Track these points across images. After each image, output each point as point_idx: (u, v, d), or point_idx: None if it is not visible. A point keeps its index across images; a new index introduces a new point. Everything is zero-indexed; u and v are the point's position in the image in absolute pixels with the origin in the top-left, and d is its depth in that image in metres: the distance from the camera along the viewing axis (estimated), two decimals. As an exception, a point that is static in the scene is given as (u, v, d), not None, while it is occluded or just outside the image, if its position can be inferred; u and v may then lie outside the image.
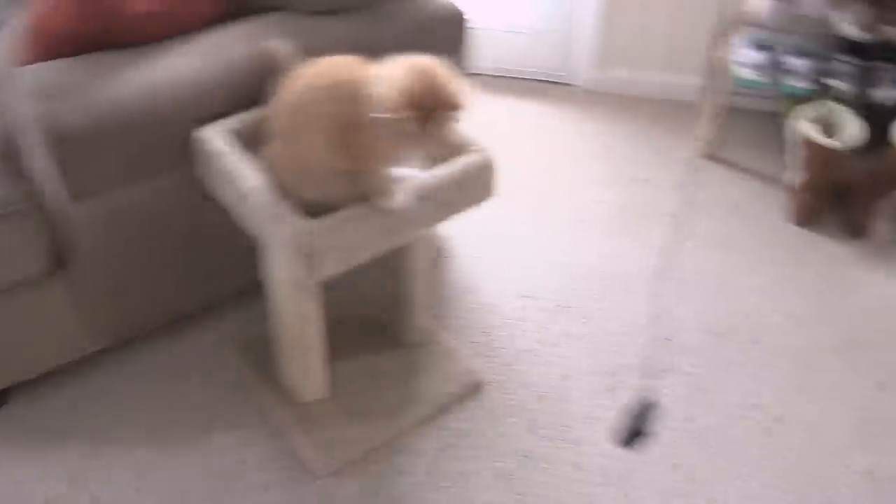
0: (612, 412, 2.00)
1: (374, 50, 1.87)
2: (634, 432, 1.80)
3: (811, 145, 2.38)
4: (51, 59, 1.70)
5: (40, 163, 1.67)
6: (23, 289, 1.79)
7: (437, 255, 2.37)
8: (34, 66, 1.69)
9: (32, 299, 1.82)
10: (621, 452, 1.92)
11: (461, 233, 2.44)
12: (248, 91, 1.76)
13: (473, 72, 3.00)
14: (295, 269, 1.54)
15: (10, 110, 1.68)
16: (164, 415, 1.97)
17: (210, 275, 2.01)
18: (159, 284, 1.94)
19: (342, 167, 1.54)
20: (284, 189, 1.58)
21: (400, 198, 1.58)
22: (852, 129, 2.38)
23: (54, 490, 1.83)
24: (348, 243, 1.55)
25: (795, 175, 2.50)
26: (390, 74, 1.44)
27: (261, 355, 2.05)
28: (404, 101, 1.40)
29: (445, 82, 1.43)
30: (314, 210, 1.56)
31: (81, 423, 1.96)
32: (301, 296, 1.73)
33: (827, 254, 2.42)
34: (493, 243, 2.41)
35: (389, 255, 1.92)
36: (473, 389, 2.04)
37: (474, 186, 1.69)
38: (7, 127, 1.76)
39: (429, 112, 1.41)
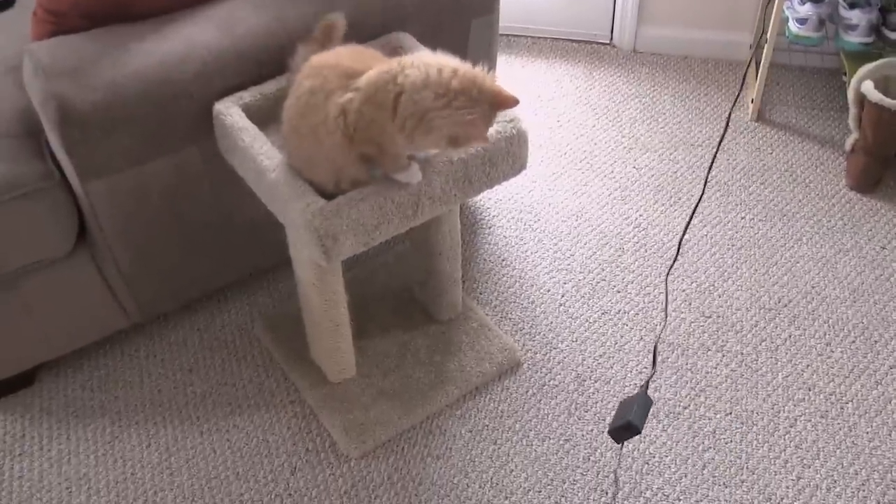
0: (655, 394, 1.91)
1: (400, 14, 1.80)
2: (625, 426, 1.70)
3: (871, 105, 2.25)
4: (63, 33, 1.65)
5: (53, 141, 1.63)
6: (48, 268, 1.78)
7: (470, 229, 2.29)
8: (46, 41, 1.65)
9: (58, 278, 1.82)
10: (664, 439, 1.84)
11: (497, 202, 2.36)
12: (264, 62, 1.70)
13: (508, 33, 2.91)
14: (312, 249, 1.48)
15: (29, 87, 1.63)
16: (191, 393, 1.95)
17: (239, 250, 1.98)
18: (187, 261, 1.92)
19: (362, 154, 1.48)
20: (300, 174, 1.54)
21: (416, 171, 1.51)
22: (916, 88, 2.24)
23: (84, 468, 1.83)
24: (366, 223, 1.49)
25: (854, 138, 2.37)
26: (424, 72, 1.39)
27: (290, 333, 2.00)
28: (447, 100, 1.37)
29: (485, 80, 1.39)
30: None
31: (109, 401, 1.95)
32: (325, 274, 1.67)
33: (888, 222, 2.29)
34: (531, 213, 2.32)
35: (419, 229, 1.85)
36: (511, 368, 1.97)
37: (505, 160, 1.60)
38: (30, 103, 1.72)
39: (475, 111, 1.39)
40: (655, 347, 1.76)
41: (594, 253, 2.23)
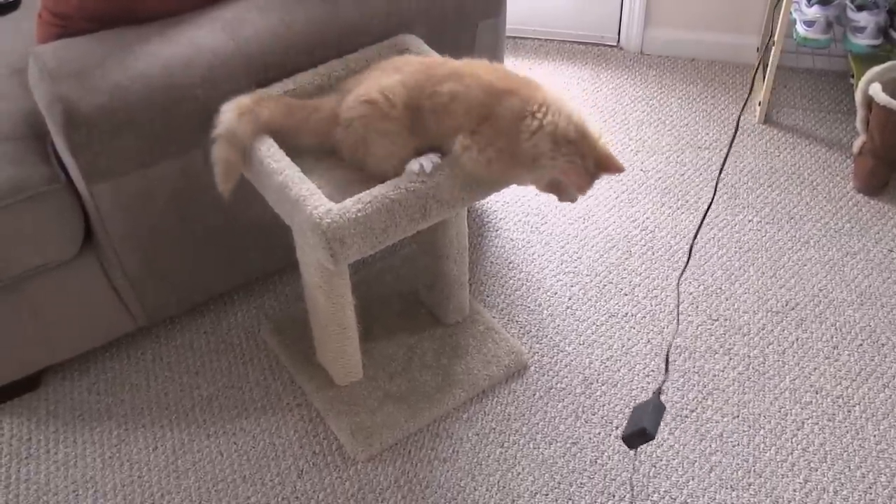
0: (662, 396, 1.90)
1: (406, 16, 1.80)
2: (639, 433, 1.70)
3: (879, 107, 2.24)
4: (69, 36, 1.65)
5: (59, 144, 1.63)
6: (54, 271, 1.78)
7: (477, 232, 2.29)
8: (52, 44, 1.65)
9: (64, 281, 1.82)
10: (671, 442, 1.83)
11: (504, 205, 2.35)
12: (270, 64, 1.70)
13: (515, 35, 2.91)
14: (320, 252, 1.47)
15: (34, 90, 1.63)
16: (198, 396, 1.95)
17: (246, 254, 1.97)
18: (193, 264, 1.92)
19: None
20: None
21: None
22: (924, 90, 2.23)
23: (90, 471, 1.83)
24: (374, 226, 1.48)
25: (862, 140, 2.36)
26: (560, 115, 1.48)
27: (297, 336, 2.00)
28: (579, 182, 1.51)
29: (597, 140, 1.50)
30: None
31: (115, 404, 1.95)
32: (332, 277, 1.66)
33: None
34: (538, 216, 2.32)
35: (426, 232, 1.84)
36: (518, 371, 1.97)
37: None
38: (35, 106, 1.72)
39: (588, 171, 1.51)
40: (668, 352, 1.75)
41: (601, 256, 2.22)
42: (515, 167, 1.52)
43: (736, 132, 2.51)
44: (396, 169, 1.55)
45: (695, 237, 2.12)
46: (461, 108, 1.52)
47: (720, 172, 2.17)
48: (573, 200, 1.59)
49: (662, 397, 1.90)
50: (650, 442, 1.75)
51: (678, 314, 2.06)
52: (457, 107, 1.52)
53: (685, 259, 2.18)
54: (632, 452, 1.80)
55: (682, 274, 2.01)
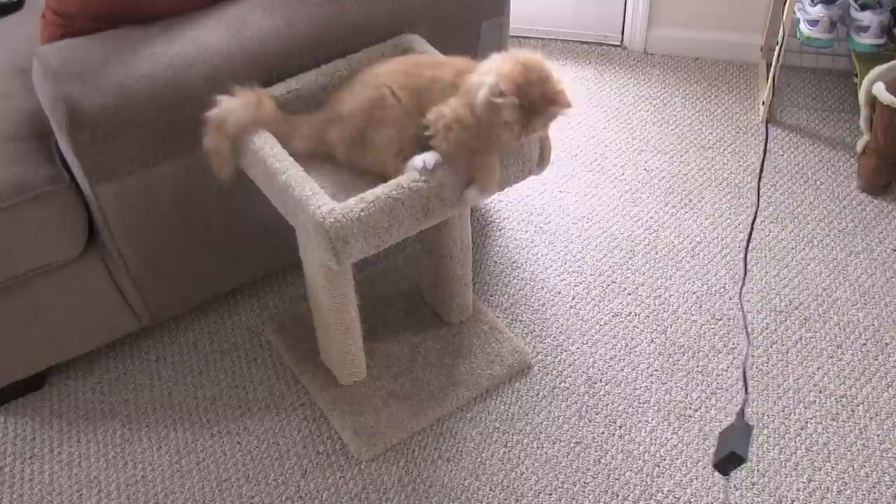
0: (665, 396, 1.90)
1: (409, 15, 1.80)
2: (729, 457, 1.70)
3: (882, 107, 2.24)
4: (72, 35, 1.66)
5: (62, 144, 1.63)
6: (58, 271, 1.78)
7: (481, 231, 2.29)
8: (55, 43, 1.65)
9: (68, 281, 1.82)
10: (675, 442, 1.83)
11: (508, 205, 2.35)
12: (273, 65, 1.70)
13: (519, 35, 2.91)
14: (323, 252, 1.47)
15: (38, 90, 1.64)
16: (202, 396, 1.95)
17: (250, 253, 1.97)
18: (197, 263, 1.92)
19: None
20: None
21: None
22: (928, 89, 2.22)
23: (94, 470, 1.83)
24: (377, 225, 1.48)
25: (866, 139, 2.35)
26: (497, 67, 1.48)
27: (300, 336, 2.00)
28: (512, 88, 1.44)
29: (550, 77, 1.49)
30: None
31: (119, 403, 1.95)
32: (335, 277, 1.66)
33: (899, 223, 2.28)
34: (541, 216, 2.32)
35: (429, 231, 1.84)
36: (521, 371, 1.97)
37: (515, 162, 1.59)
38: (39, 106, 1.73)
39: (533, 104, 1.47)
40: (745, 371, 1.74)
41: (605, 255, 2.22)
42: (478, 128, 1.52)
43: (767, 138, 2.49)
44: (395, 161, 1.56)
45: (747, 247, 2.12)
46: (438, 92, 1.56)
47: (759, 179, 2.16)
48: (514, 141, 1.52)
49: (661, 394, 1.90)
50: (743, 465, 1.77)
51: (747, 331, 2.03)
52: (435, 88, 1.57)
53: (743, 272, 2.18)
54: (724, 479, 1.78)
55: (741, 289, 1.99)
